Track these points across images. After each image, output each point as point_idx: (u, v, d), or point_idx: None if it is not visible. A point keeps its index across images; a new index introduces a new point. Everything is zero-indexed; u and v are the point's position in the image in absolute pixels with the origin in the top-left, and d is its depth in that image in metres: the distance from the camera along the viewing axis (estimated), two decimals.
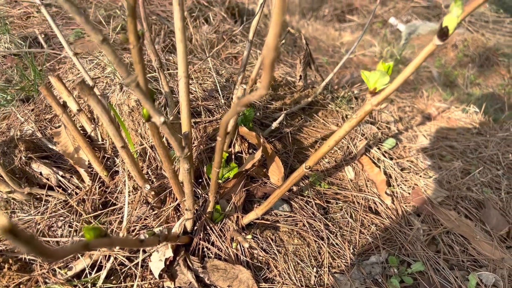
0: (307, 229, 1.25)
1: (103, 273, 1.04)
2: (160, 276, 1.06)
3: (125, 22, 2.18)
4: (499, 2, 7.69)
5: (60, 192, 1.20)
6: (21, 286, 1.00)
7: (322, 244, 1.23)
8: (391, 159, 1.66)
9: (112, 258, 1.05)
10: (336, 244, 1.25)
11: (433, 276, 1.23)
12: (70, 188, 1.22)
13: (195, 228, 1.16)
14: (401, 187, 1.54)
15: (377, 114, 1.93)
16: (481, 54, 4.63)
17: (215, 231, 1.16)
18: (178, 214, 1.19)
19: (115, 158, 1.31)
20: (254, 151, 1.39)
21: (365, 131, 1.72)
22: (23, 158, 1.20)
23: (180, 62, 1.05)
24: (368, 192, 1.47)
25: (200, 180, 1.27)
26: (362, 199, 1.43)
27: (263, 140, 1.34)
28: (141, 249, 1.11)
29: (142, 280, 1.05)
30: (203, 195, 1.22)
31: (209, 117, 1.36)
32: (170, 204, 1.19)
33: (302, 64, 1.74)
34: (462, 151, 1.92)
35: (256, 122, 1.52)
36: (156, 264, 1.07)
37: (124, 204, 1.16)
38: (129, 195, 1.21)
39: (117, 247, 1.11)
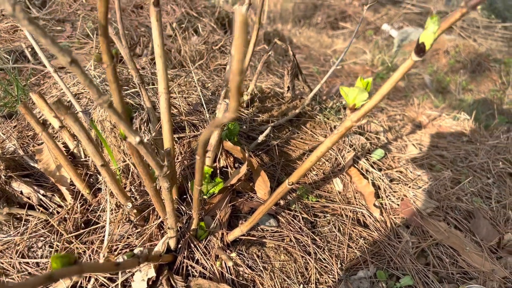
0: (294, 244, 1.23)
1: None
2: None
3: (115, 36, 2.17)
4: (490, 7, 7.75)
5: (41, 211, 1.18)
6: None
7: (309, 259, 1.21)
8: (380, 170, 1.64)
9: (92, 280, 1.03)
10: (324, 259, 1.23)
11: None
12: (52, 207, 1.20)
13: (179, 246, 1.14)
14: (390, 199, 1.53)
15: (366, 124, 1.92)
16: (472, 60, 4.65)
17: (199, 249, 1.14)
18: (162, 231, 1.17)
19: (98, 175, 1.29)
20: (240, 165, 1.38)
21: (353, 142, 1.71)
22: (3, 177, 1.18)
23: (160, 78, 1.03)
24: (357, 204, 1.46)
25: (185, 196, 1.26)
26: (351, 211, 1.42)
27: (248, 155, 1.32)
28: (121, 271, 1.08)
29: None
30: (187, 211, 1.20)
31: (194, 132, 1.34)
32: (153, 222, 1.17)
33: (290, 75, 1.74)
34: (452, 160, 1.91)
35: (242, 136, 1.51)
36: (139, 285, 1.05)
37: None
38: (112, 213, 1.19)
39: None
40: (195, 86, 1.57)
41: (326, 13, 7.26)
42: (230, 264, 1.12)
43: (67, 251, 1.10)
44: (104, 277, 1.04)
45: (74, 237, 1.13)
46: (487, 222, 1.54)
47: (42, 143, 1.36)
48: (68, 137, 1.32)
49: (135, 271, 1.09)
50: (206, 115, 1.41)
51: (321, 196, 1.46)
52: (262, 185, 1.33)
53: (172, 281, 1.09)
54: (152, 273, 1.05)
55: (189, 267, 1.12)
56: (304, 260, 1.21)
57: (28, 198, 1.20)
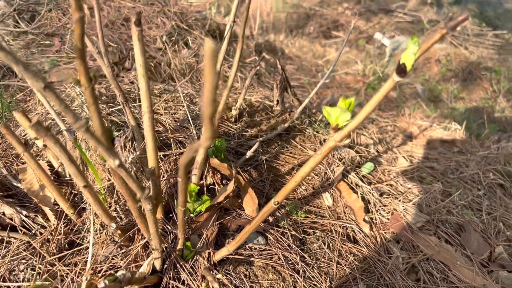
0: (283, 262, 1.22)
1: None
2: None
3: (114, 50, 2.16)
4: (481, 15, 7.82)
5: (24, 233, 1.16)
6: None
7: (298, 278, 1.19)
8: (370, 184, 1.63)
9: None
10: (313, 277, 1.21)
11: None
12: (35, 228, 1.18)
13: (165, 266, 1.12)
14: (380, 213, 1.51)
15: (355, 137, 1.92)
16: (464, 68, 4.67)
17: (185, 269, 1.12)
18: (148, 251, 1.15)
19: (83, 194, 1.27)
20: (228, 182, 1.36)
21: (343, 155, 1.70)
22: None
23: (143, 97, 1.02)
24: (347, 219, 1.45)
25: (171, 215, 1.24)
26: (340, 227, 1.40)
27: (235, 171, 1.31)
28: None
29: None
30: (173, 231, 1.18)
31: (180, 149, 1.33)
32: (138, 242, 1.15)
33: (279, 89, 1.73)
34: (442, 171, 1.91)
35: (230, 151, 1.50)
36: None
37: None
38: (96, 234, 1.17)
39: None
40: (182, 101, 1.56)
41: (318, 22, 7.30)
42: (215, 286, 1.10)
43: (49, 274, 1.08)
44: None
45: (57, 259, 1.11)
46: (478, 235, 1.53)
47: (26, 162, 1.34)
48: (52, 156, 1.30)
49: None
50: (193, 131, 1.40)
51: (310, 211, 1.45)
52: (250, 202, 1.31)
53: None
54: None
55: None
56: (292, 279, 1.19)
57: (11, 219, 1.18)
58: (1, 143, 1.43)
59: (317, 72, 3.21)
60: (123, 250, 1.14)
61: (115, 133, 1.25)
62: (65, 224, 1.19)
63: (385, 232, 1.45)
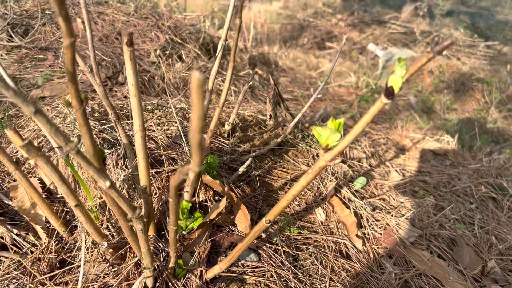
0: (275, 279, 1.21)
1: None
2: None
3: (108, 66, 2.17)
4: (473, 27, 7.92)
5: (14, 251, 1.15)
6: None
7: None
8: (362, 198, 1.64)
9: None
10: None
11: None
12: (26, 246, 1.17)
13: (157, 285, 1.11)
14: (372, 228, 1.52)
15: (348, 151, 1.92)
16: (456, 79, 4.72)
17: None
18: (139, 269, 1.15)
19: (75, 213, 1.27)
20: (221, 198, 1.36)
21: (336, 170, 1.71)
22: None
23: (135, 116, 1.03)
24: (339, 235, 1.45)
25: (163, 232, 1.24)
26: (333, 243, 1.41)
27: (228, 188, 1.31)
28: None
29: None
30: (165, 248, 1.17)
31: (172, 166, 1.33)
32: (130, 260, 1.14)
33: (271, 103, 1.74)
34: (435, 185, 1.92)
35: (223, 167, 1.50)
36: None
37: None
38: (88, 252, 1.16)
39: None
40: (175, 117, 1.56)
41: (312, 33, 7.36)
42: None
43: None
44: None
45: (48, 278, 1.10)
46: (470, 250, 1.54)
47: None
48: (44, 173, 1.30)
49: None
50: (186, 148, 1.40)
51: (303, 227, 1.45)
52: (242, 218, 1.32)
53: None
54: None
55: None
56: None
57: (1, 237, 1.17)
58: None
59: (311, 85, 3.23)
60: (115, 269, 1.13)
61: (107, 151, 1.25)
62: (56, 242, 1.19)
63: (377, 247, 1.45)
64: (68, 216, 1.28)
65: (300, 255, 1.33)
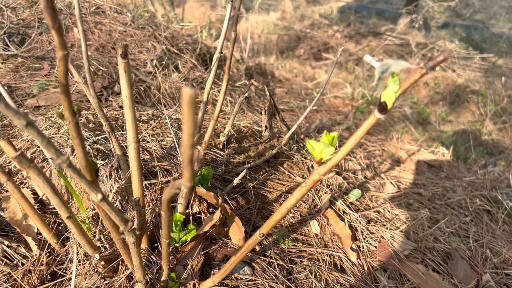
0: None
1: None
2: None
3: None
4: (468, 39, 7.99)
5: (5, 263, 1.13)
6: None
7: None
8: (357, 211, 1.63)
9: None
10: None
11: None
12: (16, 258, 1.15)
13: None
14: (367, 241, 1.51)
15: (343, 162, 1.92)
16: (451, 91, 4.75)
17: None
18: (132, 282, 1.14)
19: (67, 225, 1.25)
20: (215, 210, 1.36)
21: (331, 181, 1.71)
22: None
23: (129, 127, 1.02)
24: (334, 248, 1.44)
25: (156, 244, 1.22)
26: (328, 255, 1.40)
27: (222, 200, 1.30)
28: None
29: None
30: (158, 261, 1.16)
31: (166, 177, 1.32)
32: (122, 273, 1.13)
33: (267, 115, 1.74)
34: (430, 197, 1.92)
35: (217, 178, 1.49)
36: None
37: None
38: (80, 264, 1.15)
39: None
40: (170, 128, 1.56)
41: (309, 44, 7.41)
42: None
43: None
44: None
45: None
46: (465, 263, 1.53)
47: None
48: (36, 184, 1.29)
49: None
50: (180, 159, 1.40)
51: (298, 239, 1.44)
52: (236, 231, 1.31)
53: None
54: None
55: None
56: None
57: None
58: None
59: (307, 96, 3.24)
60: (107, 281, 1.12)
61: (101, 162, 1.25)
62: (48, 254, 1.17)
63: (372, 261, 1.44)
64: (60, 228, 1.26)
65: (295, 268, 1.32)
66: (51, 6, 0.54)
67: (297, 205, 1.56)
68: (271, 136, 1.81)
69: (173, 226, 1.20)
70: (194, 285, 1.14)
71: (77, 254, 1.16)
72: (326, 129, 2.30)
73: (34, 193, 1.30)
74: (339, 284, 1.31)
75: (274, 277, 1.25)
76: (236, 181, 1.42)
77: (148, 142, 1.44)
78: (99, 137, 1.36)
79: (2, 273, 1.11)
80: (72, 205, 1.31)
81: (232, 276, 1.23)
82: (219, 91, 2.47)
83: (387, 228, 1.59)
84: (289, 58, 6.78)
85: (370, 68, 5.92)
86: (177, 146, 1.42)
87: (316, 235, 1.48)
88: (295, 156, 1.77)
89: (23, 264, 1.15)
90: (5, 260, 1.15)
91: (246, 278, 1.23)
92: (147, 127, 1.56)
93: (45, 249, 1.18)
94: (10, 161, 1.38)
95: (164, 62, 2.52)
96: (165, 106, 2.14)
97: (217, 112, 1.21)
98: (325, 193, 1.62)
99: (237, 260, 1.04)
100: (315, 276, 1.31)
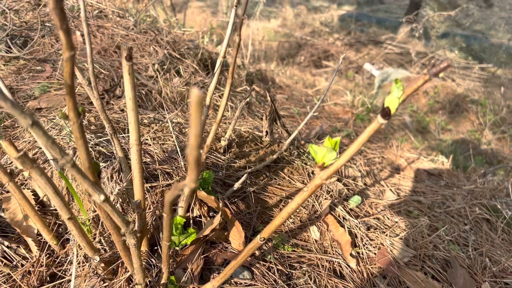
0: None
1: None
2: None
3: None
4: (467, 49, 8.03)
5: (5, 264, 1.13)
6: None
7: None
8: (357, 217, 1.63)
9: None
10: None
11: None
12: (16, 259, 1.15)
13: None
14: (367, 247, 1.51)
15: (343, 169, 1.93)
16: (451, 100, 4.77)
17: None
18: (131, 285, 1.13)
19: (67, 226, 1.25)
20: (215, 214, 1.36)
21: (331, 188, 1.71)
22: None
23: (131, 130, 1.03)
24: (333, 254, 1.44)
25: (156, 247, 1.22)
26: (327, 261, 1.40)
27: (222, 204, 1.30)
28: None
29: None
30: (158, 264, 1.16)
31: (167, 181, 1.32)
32: (122, 276, 1.13)
33: (268, 120, 1.75)
34: (429, 205, 1.92)
35: (218, 182, 1.49)
36: None
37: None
38: (79, 266, 1.14)
39: None
40: (171, 131, 1.57)
41: (309, 52, 7.44)
42: None
43: None
44: None
45: None
46: (464, 272, 1.53)
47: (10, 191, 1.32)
48: (38, 185, 1.29)
49: None
50: (181, 163, 1.40)
51: (297, 245, 1.44)
52: (236, 235, 1.31)
53: None
54: None
55: None
56: None
57: None
58: None
59: (307, 102, 3.25)
60: (106, 284, 1.12)
61: (103, 164, 1.25)
62: (47, 256, 1.17)
63: (371, 267, 1.44)
64: (60, 229, 1.26)
65: (294, 274, 1.32)
66: (59, 7, 0.55)
67: (297, 210, 1.56)
68: (272, 142, 1.82)
69: (174, 229, 1.20)
70: None
71: (77, 256, 1.15)
72: (326, 136, 2.31)
73: (35, 194, 1.30)
74: None
75: (273, 282, 1.25)
76: (237, 185, 1.42)
77: (150, 145, 1.45)
78: (101, 139, 1.36)
79: (1, 273, 1.11)
80: (72, 207, 1.31)
81: (232, 280, 1.23)
82: (219, 96, 2.48)
83: (386, 235, 1.59)
84: (290, 65, 6.81)
85: (370, 76, 5.94)
86: (178, 149, 1.43)
87: (316, 241, 1.48)
88: (296, 161, 1.77)
89: (22, 265, 1.14)
90: (4, 261, 1.15)
91: (245, 283, 1.23)
92: (149, 130, 1.56)
93: (45, 251, 1.18)
94: (11, 162, 1.38)
95: (165, 67, 2.53)
96: (166, 110, 2.14)
97: (219, 116, 1.21)
98: (325, 199, 1.62)
99: (238, 264, 1.04)
100: (315, 281, 1.31)
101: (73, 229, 0.99)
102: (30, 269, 1.13)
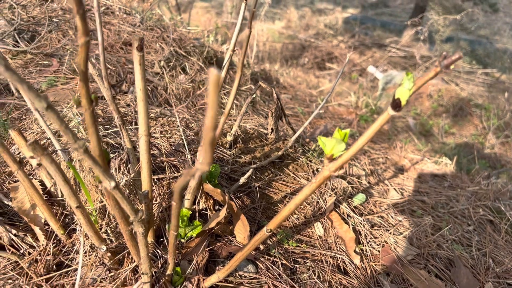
0: None
1: None
2: None
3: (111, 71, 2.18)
4: (471, 53, 8.03)
5: (12, 252, 1.14)
6: None
7: None
8: (361, 215, 1.64)
9: None
10: None
11: None
12: (23, 247, 1.16)
13: None
14: (370, 245, 1.52)
15: (348, 167, 1.93)
16: (455, 104, 4.76)
17: None
18: (137, 275, 1.14)
19: (74, 215, 1.26)
20: (220, 208, 1.36)
21: (335, 185, 1.71)
22: None
23: (141, 120, 1.04)
24: (337, 250, 1.44)
25: (162, 239, 1.23)
26: (331, 257, 1.40)
27: (228, 197, 1.31)
28: None
29: None
30: (163, 255, 1.17)
31: (174, 173, 1.33)
32: (128, 266, 1.13)
33: (273, 117, 1.75)
34: (433, 205, 1.92)
35: (223, 177, 1.50)
36: None
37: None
38: (86, 255, 1.15)
39: None
40: (178, 126, 1.57)
41: (313, 54, 7.45)
42: None
43: None
44: None
45: (44, 280, 1.09)
46: (467, 271, 1.53)
47: (18, 180, 1.33)
48: (45, 175, 1.30)
49: None
50: (188, 156, 1.41)
51: (301, 241, 1.44)
52: (241, 229, 1.31)
53: None
54: None
55: None
56: None
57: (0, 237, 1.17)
58: None
59: (311, 102, 3.26)
60: (112, 273, 1.12)
61: (111, 155, 1.26)
62: (54, 245, 1.18)
63: (375, 264, 1.45)
64: (67, 219, 1.27)
65: (298, 269, 1.32)
66: None
67: (302, 206, 1.57)
68: (277, 139, 1.82)
69: (180, 221, 1.21)
70: (198, 280, 1.15)
71: (84, 245, 1.16)
72: (330, 135, 2.31)
73: (42, 184, 1.31)
74: (342, 286, 1.31)
75: (277, 276, 1.25)
76: (243, 180, 1.43)
77: (157, 138, 1.45)
78: (109, 131, 1.37)
79: (8, 261, 1.12)
80: (79, 197, 1.32)
81: (236, 273, 1.24)
82: (224, 94, 2.49)
83: (390, 233, 1.59)
84: (293, 66, 6.82)
85: (374, 79, 5.95)
86: (185, 143, 1.43)
87: (320, 237, 1.48)
88: (301, 158, 1.78)
89: (29, 254, 1.15)
90: (12, 249, 1.16)
91: (250, 276, 1.24)
92: (155, 124, 1.57)
93: (52, 240, 1.19)
94: (19, 152, 1.39)
95: (171, 64, 2.54)
96: (171, 106, 2.15)
97: (228, 107, 1.22)
98: (330, 196, 1.63)
99: (243, 256, 1.05)
100: (319, 277, 1.31)
101: (81, 217, 1.00)
102: (37, 257, 1.13)
